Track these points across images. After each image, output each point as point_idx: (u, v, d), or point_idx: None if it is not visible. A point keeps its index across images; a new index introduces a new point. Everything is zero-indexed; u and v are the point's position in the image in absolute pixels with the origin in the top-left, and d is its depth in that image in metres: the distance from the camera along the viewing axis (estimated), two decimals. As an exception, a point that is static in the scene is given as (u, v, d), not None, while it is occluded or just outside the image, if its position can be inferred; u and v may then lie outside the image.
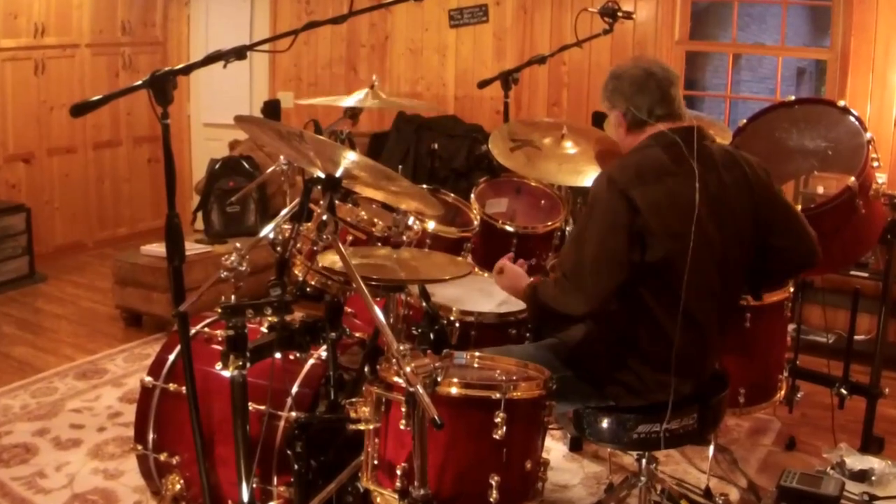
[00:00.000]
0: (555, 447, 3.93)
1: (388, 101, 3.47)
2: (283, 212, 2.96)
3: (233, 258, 2.59)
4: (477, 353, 2.66)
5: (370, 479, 2.41)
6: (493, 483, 2.30)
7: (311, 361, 2.96)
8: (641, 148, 2.66)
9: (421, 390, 1.98)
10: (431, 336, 2.44)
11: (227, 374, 2.44)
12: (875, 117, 5.02)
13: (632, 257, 2.52)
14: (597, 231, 2.54)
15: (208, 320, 3.19)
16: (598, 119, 4.29)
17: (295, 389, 2.88)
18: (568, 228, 3.91)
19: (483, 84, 4.40)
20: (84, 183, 7.26)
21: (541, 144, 4.05)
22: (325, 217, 2.31)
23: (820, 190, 4.51)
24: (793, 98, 3.69)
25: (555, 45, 5.22)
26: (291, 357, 2.92)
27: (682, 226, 2.54)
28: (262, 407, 2.81)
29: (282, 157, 3.14)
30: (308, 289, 2.85)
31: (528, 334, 3.19)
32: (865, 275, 4.71)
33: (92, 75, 7.12)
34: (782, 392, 3.48)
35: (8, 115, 6.61)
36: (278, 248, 2.74)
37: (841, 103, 3.59)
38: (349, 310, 3.37)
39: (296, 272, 2.87)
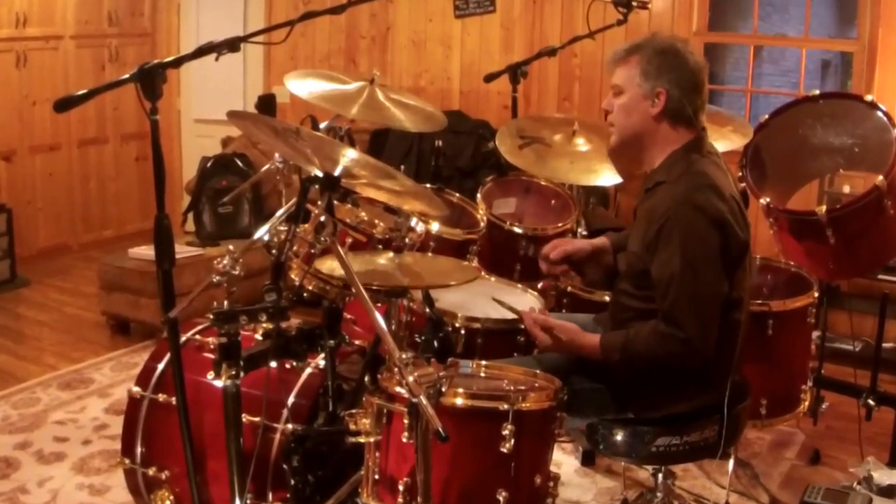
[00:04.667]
0: (566, 461, 3.93)
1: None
2: (279, 213, 2.96)
3: (225, 261, 2.60)
4: (483, 362, 2.66)
5: (371, 495, 2.41)
6: (501, 499, 2.30)
7: (308, 371, 2.96)
8: (694, 162, 2.67)
9: (424, 401, 1.99)
10: (435, 344, 2.43)
11: (219, 383, 2.44)
12: (904, 112, 5.02)
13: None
14: (709, 276, 2.57)
15: (199, 327, 3.19)
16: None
17: (291, 400, 2.88)
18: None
19: (490, 78, 4.41)
20: (68, 182, 7.27)
21: (551, 141, 4.05)
22: (322, 218, 2.31)
23: (846, 189, 4.52)
24: (817, 92, 3.69)
25: (566, 37, 5.21)
26: (287, 366, 2.91)
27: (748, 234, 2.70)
28: (257, 419, 2.81)
29: (277, 155, 3.15)
30: (305, 294, 2.85)
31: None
32: (894, 279, 4.70)
33: (77, 68, 7.13)
34: (806, 403, 3.48)
35: (-12, 111, 6.63)
36: (274, 251, 2.74)
37: (868, 98, 3.60)
38: (348, 316, 3.37)
39: (292, 276, 2.87)
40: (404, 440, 2.21)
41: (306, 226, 2.69)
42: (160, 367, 3.10)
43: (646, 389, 2.70)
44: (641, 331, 2.62)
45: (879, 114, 3.49)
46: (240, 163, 6.33)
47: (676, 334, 2.54)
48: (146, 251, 5.42)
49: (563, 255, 3.09)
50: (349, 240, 3.10)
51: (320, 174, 2.42)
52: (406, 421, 2.19)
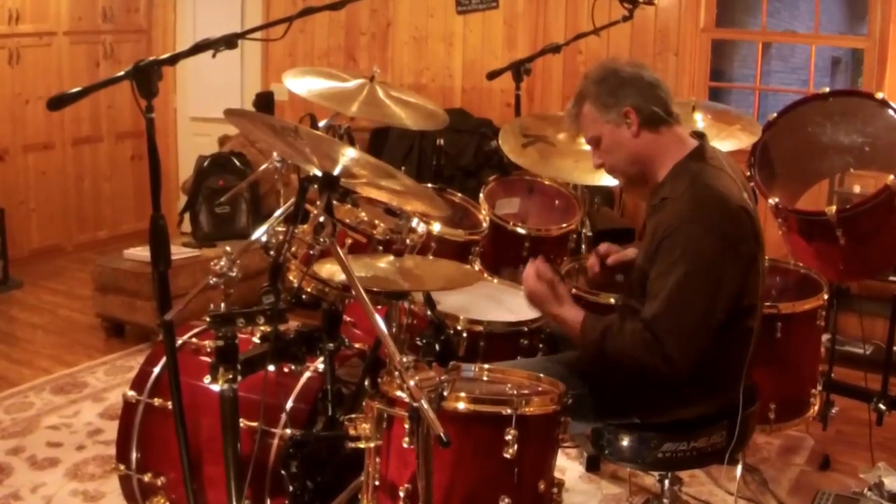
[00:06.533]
0: (570, 467, 3.93)
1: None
2: (277, 213, 2.96)
3: (222, 263, 2.60)
4: (486, 366, 2.66)
5: (371, 501, 2.41)
6: (504, 505, 2.30)
7: (306, 374, 2.96)
8: (698, 174, 2.65)
9: (425, 405, 1.99)
10: (437, 347, 2.44)
11: (216, 388, 2.45)
12: (916, 110, 5.01)
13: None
14: (701, 297, 2.55)
15: (196, 330, 3.19)
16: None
17: (289, 405, 2.88)
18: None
19: (493, 75, 4.41)
20: (62, 182, 7.27)
21: (555, 140, 4.05)
22: (321, 218, 2.31)
23: (856, 189, 4.52)
24: (827, 90, 3.69)
25: (570, 33, 5.22)
26: (286, 370, 2.92)
27: (758, 242, 2.68)
28: (254, 423, 2.81)
29: (275, 154, 3.14)
30: (304, 296, 2.85)
31: (540, 345, 3.19)
32: (906, 281, 4.70)
33: (70, 65, 7.14)
34: (816, 407, 3.48)
35: (-20, 109, 6.63)
36: (271, 252, 2.74)
37: (879, 95, 3.60)
38: (348, 318, 3.37)
39: (290, 278, 2.87)
40: (405, 445, 2.21)
41: (305, 226, 2.69)
42: (156, 370, 3.10)
43: (652, 394, 2.69)
44: (626, 327, 2.62)
45: (890, 112, 3.49)
46: (237, 162, 6.34)
47: (659, 347, 2.54)
48: (141, 252, 5.42)
49: (618, 263, 3.09)
50: (349, 240, 3.09)
51: (319, 173, 2.42)
52: (407, 426, 2.19)
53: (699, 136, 2.80)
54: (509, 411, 2.30)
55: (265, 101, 3.33)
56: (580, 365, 2.78)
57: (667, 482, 3.05)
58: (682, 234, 2.55)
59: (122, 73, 2.44)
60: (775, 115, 3.75)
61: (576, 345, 2.78)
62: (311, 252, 2.74)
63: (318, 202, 2.41)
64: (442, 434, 1.95)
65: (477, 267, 3.67)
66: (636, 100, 2.70)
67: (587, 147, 3.92)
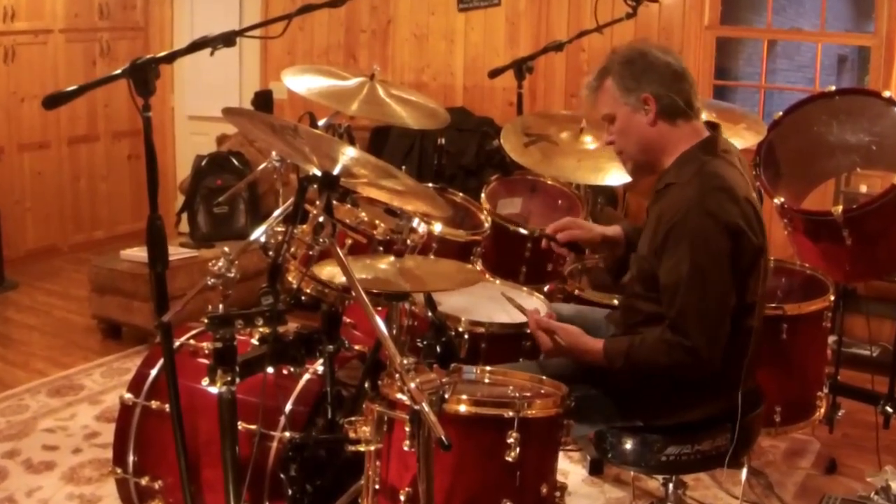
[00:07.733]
0: (573, 470, 3.93)
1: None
2: (276, 213, 2.96)
3: (221, 264, 2.60)
4: (488, 368, 2.66)
5: (371, 506, 2.41)
6: (506, 510, 2.30)
7: (306, 377, 2.96)
8: (707, 163, 2.65)
9: (426, 408, 1.98)
10: (438, 349, 2.43)
11: (214, 390, 2.44)
12: (924, 109, 5.01)
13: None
14: (717, 284, 2.55)
15: (194, 332, 3.19)
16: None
17: (289, 407, 2.88)
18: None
19: (494, 73, 4.41)
20: (58, 181, 7.27)
21: (557, 139, 4.05)
22: (321, 219, 2.32)
23: (863, 189, 4.52)
24: (833, 88, 3.69)
25: (573, 31, 5.21)
26: (285, 372, 2.91)
27: (763, 237, 2.68)
28: (253, 426, 2.81)
29: (274, 153, 3.14)
30: (303, 297, 2.85)
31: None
32: (914, 282, 4.70)
33: (66, 63, 7.14)
34: (822, 410, 3.48)
35: (-25, 108, 6.63)
36: (270, 253, 2.74)
37: (886, 94, 3.60)
38: (348, 320, 3.37)
39: (290, 279, 2.87)
40: (406, 448, 2.21)
41: (304, 226, 2.69)
42: (153, 372, 3.10)
43: (655, 396, 2.69)
44: (647, 338, 2.62)
45: (898, 111, 3.49)
46: (235, 161, 6.34)
47: (682, 343, 2.54)
48: (138, 253, 5.42)
49: (569, 240, 3.08)
50: (348, 241, 3.09)
51: (319, 173, 2.42)
52: (408, 429, 2.19)
53: (712, 126, 2.79)
54: (511, 414, 2.30)
55: (264, 100, 3.32)
56: (583, 367, 2.78)
57: (671, 486, 3.04)
58: (687, 223, 2.55)
59: (118, 71, 2.44)
60: (781, 113, 3.75)
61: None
62: (311, 253, 2.74)
63: (317, 202, 2.41)
64: (443, 437, 1.95)
65: (478, 267, 3.67)
66: (658, 88, 2.68)
67: (590, 146, 3.98)
